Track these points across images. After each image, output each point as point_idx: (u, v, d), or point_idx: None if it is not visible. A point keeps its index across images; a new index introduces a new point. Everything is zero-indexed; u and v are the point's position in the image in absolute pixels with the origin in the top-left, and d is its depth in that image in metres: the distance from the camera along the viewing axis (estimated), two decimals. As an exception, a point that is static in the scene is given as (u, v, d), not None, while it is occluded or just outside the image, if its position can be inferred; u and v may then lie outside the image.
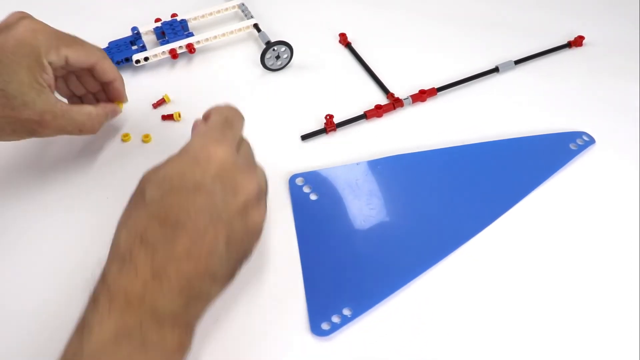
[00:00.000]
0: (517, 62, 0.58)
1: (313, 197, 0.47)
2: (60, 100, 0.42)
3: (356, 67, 0.59)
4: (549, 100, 0.56)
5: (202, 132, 0.36)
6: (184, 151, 0.34)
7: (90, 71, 0.45)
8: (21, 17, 0.41)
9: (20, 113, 0.39)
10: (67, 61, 0.42)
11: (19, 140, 0.42)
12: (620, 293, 0.42)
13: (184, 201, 0.32)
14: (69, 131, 0.43)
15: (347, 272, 0.42)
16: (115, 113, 0.48)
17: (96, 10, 0.65)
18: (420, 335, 0.39)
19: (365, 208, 0.46)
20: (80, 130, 0.44)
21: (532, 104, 0.55)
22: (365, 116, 0.53)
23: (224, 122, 0.36)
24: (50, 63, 0.41)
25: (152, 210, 0.32)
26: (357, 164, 0.49)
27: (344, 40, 0.61)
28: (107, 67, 0.45)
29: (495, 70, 0.58)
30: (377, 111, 0.53)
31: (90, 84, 0.47)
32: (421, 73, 0.58)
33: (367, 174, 0.48)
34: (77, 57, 0.42)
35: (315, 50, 0.60)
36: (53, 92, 0.41)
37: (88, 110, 0.44)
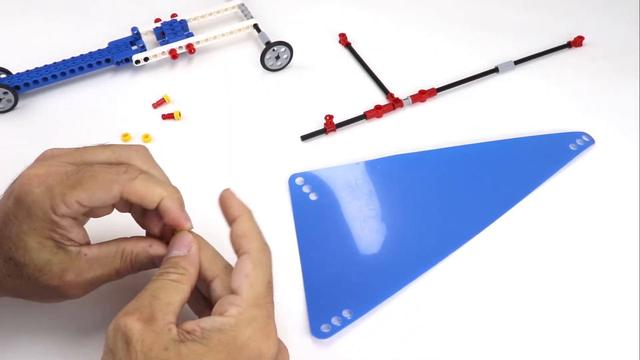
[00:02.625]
0: (517, 62, 0.58)
1: (313, 197, 0.47)
2: (87, 247, 0.33)
3: (356, 67, 0.59)
4: (548, 100, 0.56)
5: (248, 318, 0.29)
6: (231, 340, 0.29)
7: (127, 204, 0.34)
8: (27, 167, 0.33)
9: (37, 280, 0.32)
10: (82, 205, 0.32)
11: (60, 301, 0.35)
12: (621, 293, 0.42)
13: None
14: (104, 281, 0.34)
15: (346, 274, 0.42)
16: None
17: (96, 10, 0.65)
18: (421, 337, 0.39)
19: (365, 208, 0.46)
20: (116, 276, 0.34)
21: (532, 104, 0.55)
22: (365, 116, 0.53)
23: (268, 289, 0.31)
24: (63, 215, 0.31)
25: None
26: (357, 164, 0.49)
27: (343, 40, 0.61)
28: (139, 190, 0.32)
29: (495, 70, 0.58)
30: (377, 111, 0.53)
31: (154, 220, 0.35)
32: (421, 73, 0.58)
33: (367, 174, 0.48)
34: (91, 198, 0.32)
35: (315, 50, 0.60)
36: (81, 242, 0.33)
37: (121, 249, 0.34)
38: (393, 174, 0.48)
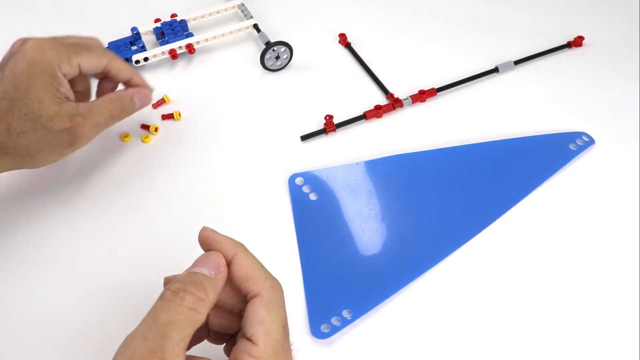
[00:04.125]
0: (517, 62, 0.58)
1: (313, 197, 0.47)
2: (82, 102, 0.42)
3: (356, 68, 0.59)
4: (548, 100, 0.56)
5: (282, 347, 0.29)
6: None
7: (105, 74, 0.45)
8: (24, 39, 0.41)
9: (52, 127, 0.39)
10: (80, 69, 0.42)
11: (61, 158, 0.42)
12: (621, 293, 0.42)
13: None
14: (103, 124, 0.43)
15: (346, 274, 0.42)
16: (143, 93, 0.46)
17: (96, 10, 0.65)
18: (421, 337, 0.39)
19: (364, 208, 0.46)
20: (111, 118, 0.44)
21: (532, 104, 0.55)
22: (364, 117, 0.53)
23: (285, 334, 0.30)
24: (64, 75, 0.41)
25: None
26: (357, 164, 0.49)
27: (343, 40, 0.61)
28: (120, 66, 0.45)
29: (495, 70, 0.58)
30: (377, 112, 0.53)
31: (108, 87, 0.47)
32: (421, 73, 0.58)
33: (367, 174, 0.48)
34: (88, 63, 0.42)
35: (315, 50, 0.60)
36: (74, 100, 0.42)
37: (108, 96, 0.44)
38: (393, 174, 0.48)
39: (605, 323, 0.40)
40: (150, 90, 0.47)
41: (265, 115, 0.54)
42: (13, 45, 0.42)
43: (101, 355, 0.29)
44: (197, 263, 0.30)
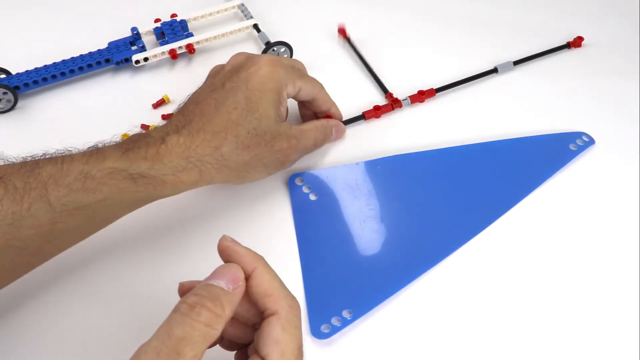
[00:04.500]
0: (516, 62, 0.58)
1: (312, 197, 0.47)
2: (295, 125, 0.44)
3: (355, 68, 0.59)
4: (548, 100, 0.56)
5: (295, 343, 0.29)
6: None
7: (310, 101, 0.47)
8: (249, 55, 0.43)
9: (273, 146, 0.41)
10: (298, 93, 0.44)
11: (266, 176, 0.44)
12: (621, 294, 0.42)
13: None
14: (308, 149, 0.46)
15: (346, 274, 0.42)
16: (340, 128, 0.50)
17: (96, 10, 0.65)
18: (421, 337, 0.39)
19: (364, 208, 0.46)
20: (314, 145, 0.46)
21: (531, 105, 0.55)
22: (363, 117, 0.53)
23: (299, 355, 0.29)
24: (287, 95, 0.43)
25: None
26: (357, 164, 0.49)
27: (343, 33, 0.60)
28: (325, 97, 0.47)
29: (495, 70, 0.58)
30: (376, 112, 0.53)
31: (307, 114, 0.50)
32: (420, 73, 0.57)
33: (367, 174, 0.48)
34: (307, 89, 0.45)
35: (314, 50, 0.60)
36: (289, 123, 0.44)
37: (314, 124, 0.46)
38: (393, 174, 0.48)
39: (605, 323, 0.40)
40: (343, 127, 0.50)
41: (265, 116, 0.54)
42: (235, 58, 0.44)
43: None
44: (215, 275, 0.29)
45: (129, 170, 0.35)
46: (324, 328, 0.39)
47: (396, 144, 0.51)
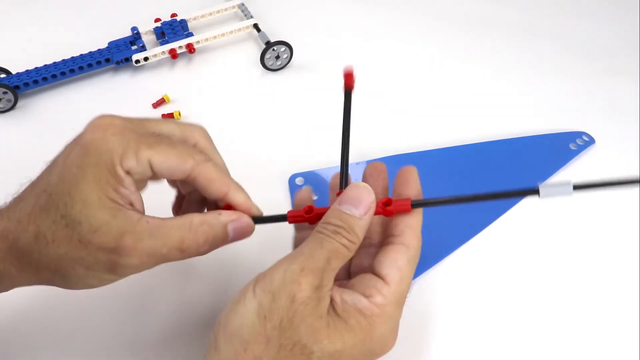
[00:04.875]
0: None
1: (313, 197, 0.47)
2: (149, 216, 0.30)
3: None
4: (549, 100, 0.56)
5: (390, 314, 0.29)
6: (368, 327, 0.28)
7: (186, 182, 0.32)
8: (95, 117, 0.30)
9: (90, 240, 0.28)
10: (151, 168, 0.30)
11: (103, 284, 0.31)
12: (621, 296, 0.42)
13: None
14: (165, 255, 0.30)
15: None
16: (242, 226, 0.32)
17: (96, 10, 0.65)
18: (419, 337, 0.39)
19: None
20: (179, 250, 0.30)
21: (532, 104, 0.55)
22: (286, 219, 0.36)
23: (408, 290, 0.31)
24: (128, 172, 0.29)
25: None
26: (357, 163, 0.49)
27: (349, 81, 0.40)
28: (211, 175, 0.31)
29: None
30: (305, 216, 0.40)
31: (194, 204, 0.35)
32: (420, 72, 0.58)
33: None
34: (164, 162, 0.30)
35: (315, 50, 0.60)
36: (139, 210, 0.30)
37: (189, 220, 0.30)
38: (393, 174, 0.48)
39: (604, 326, 0.40)
40: (252, 215, 0.33)
41: (265, 115, 0.54)
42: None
43: None
44: (345, 199, 0.30)
45: None
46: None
47: (396, 143, 0.51)
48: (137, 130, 0.30)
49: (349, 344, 0.28)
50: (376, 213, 0.31)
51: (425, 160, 0.49)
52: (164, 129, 0.32)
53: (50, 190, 0.29)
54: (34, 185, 0.30)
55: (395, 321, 0.30)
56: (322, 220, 0.30)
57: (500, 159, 0.50)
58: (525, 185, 0.47)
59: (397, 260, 0.30)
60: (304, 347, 0.27)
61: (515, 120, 0.53)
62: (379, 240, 0.33)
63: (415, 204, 0.32)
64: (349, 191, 0.30)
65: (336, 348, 0.27)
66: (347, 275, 0.34)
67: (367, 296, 0.29)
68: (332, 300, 0.28)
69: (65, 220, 0.28)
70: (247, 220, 0.33)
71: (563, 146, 0.50)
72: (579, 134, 0.51)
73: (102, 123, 0.30)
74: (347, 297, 0.29)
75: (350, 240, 0.29)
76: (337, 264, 0.29)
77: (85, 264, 0.29)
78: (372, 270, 0.30)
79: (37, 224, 0.29)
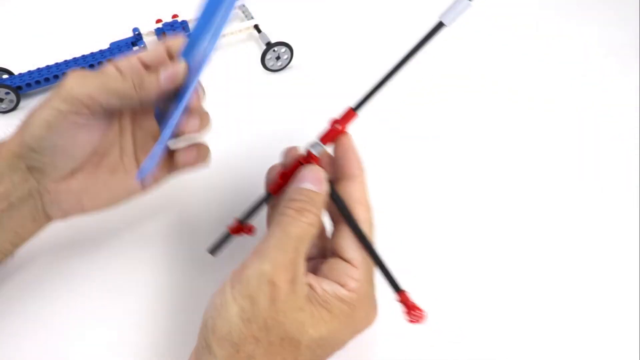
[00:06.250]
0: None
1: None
2: None
3: (355, 68, 0.59)
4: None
5: (365, 294, 0.31)
6: (350, 313, 0.30)
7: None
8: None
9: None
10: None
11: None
12: (620, 297, 0.42)
13: None
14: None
15: None
16: (173, 69, 0.35)
17: (98, 11, 0.65)
18: (418, 336, 0.40)
19: None
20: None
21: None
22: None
23: (371, 267, 0.32)
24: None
25: None
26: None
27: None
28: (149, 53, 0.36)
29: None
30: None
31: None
32: (420, 72, 0.58)
33: None
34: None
35: (315, 51, 0.60)
36: None
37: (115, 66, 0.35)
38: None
39: (604, 326, 0.40)
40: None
41: (266, 115, 0.54)
42: None
43: None
44: (302, 178, 0.31)
45: None
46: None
47: (398, 144, 0.51)
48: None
49: (334, 329, 0.29)
50: (330, 137, 0.32)
51: None
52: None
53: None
54: None
55: (372, 297, 0.31)
56: (284, 201, 0.30)
57: None
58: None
59: (355, 241, 0.31)
60: (291, 340, 0.28)
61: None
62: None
63: (355, 108, 0.32)
64: (303, 172, 0.31)
65: (322, 335, 0.29)
66: (316, 252, 0.35)
67: (342, 285, 0.30)
68: (313, 289, 0.29)
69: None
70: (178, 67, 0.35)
71: None
72: None
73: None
74: (327, 287, 0.29)
75: (315, 215, 0.30)
76: (306, 248, 0.29)
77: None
78: (335, 253, 0.31)
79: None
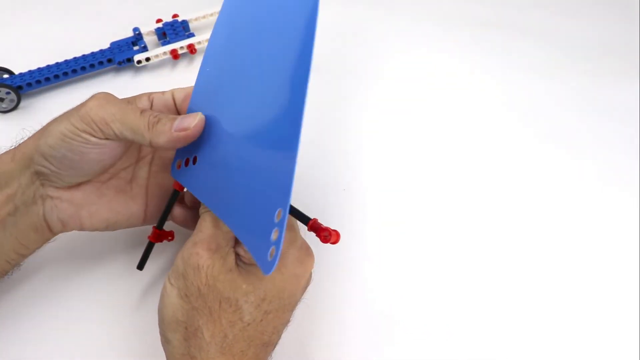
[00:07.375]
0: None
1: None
2: None
3: (355, 67, 0.59)
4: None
5: (288, 239, 0.32)
6: (282, 267, 0.32)
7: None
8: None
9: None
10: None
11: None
12: (620, 297, 0.42)
13: (279, 321, 0.32)
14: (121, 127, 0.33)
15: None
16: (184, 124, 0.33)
17: (98, 10, 0.65)
18: (417, 336, 0.40)
19: None
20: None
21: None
22: None
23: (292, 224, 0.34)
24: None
25: (252, 334, 0.31)
26: None
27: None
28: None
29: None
30: None
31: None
32: (421, 71, 0.58)
33: None
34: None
35: (315, 50, 0.60)
36: None
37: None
38: None
39: (603, 326, 0.40)
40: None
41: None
42: None
43: None
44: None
45: None
46: (270, 254, 0.26)
47: (398, 144, 0.51)
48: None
49: (268, 279, 0.31)
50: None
51: None
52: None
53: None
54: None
55: (297, 242, 0.33)
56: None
57: None
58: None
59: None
60: (228, 299, 0.30)
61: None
62: None
63: None
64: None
65: (256, 286, 0.30)
66: None
67: None
68: (241, 256, 0.32)
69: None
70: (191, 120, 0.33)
71: None
72: None
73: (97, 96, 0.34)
74: None
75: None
76: (225, 226, 0.32)
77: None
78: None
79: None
